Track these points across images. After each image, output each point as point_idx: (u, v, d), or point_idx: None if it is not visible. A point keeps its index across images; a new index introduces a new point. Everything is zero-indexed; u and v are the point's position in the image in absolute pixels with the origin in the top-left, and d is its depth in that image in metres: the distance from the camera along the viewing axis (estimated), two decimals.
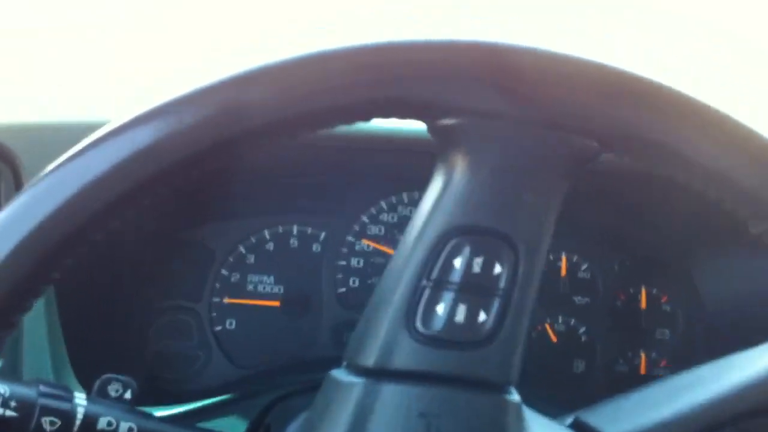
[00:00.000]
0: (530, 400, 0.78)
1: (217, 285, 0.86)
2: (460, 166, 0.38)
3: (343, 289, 0.87)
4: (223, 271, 0.87)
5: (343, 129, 0.81)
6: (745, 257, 0.79)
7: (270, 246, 0.88)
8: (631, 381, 0.85)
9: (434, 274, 0.38)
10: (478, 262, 0.38)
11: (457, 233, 0.38)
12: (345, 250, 0.88)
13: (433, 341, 0.38)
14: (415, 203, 0.88)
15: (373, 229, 0.89)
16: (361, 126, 0.82)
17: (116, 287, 0.82)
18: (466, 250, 0.38)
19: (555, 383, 0.86)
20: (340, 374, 0.40)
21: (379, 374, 0.38)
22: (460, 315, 0.38)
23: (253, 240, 0.88)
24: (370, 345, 0.38)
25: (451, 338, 0.38)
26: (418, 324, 0.38)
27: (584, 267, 0.88)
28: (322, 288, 0.87)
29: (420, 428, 0.37)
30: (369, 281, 0.88)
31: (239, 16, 1.15)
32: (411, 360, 0.38)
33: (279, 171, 0.87)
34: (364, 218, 0.88)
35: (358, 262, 0.88)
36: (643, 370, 0.85)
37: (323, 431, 0.39)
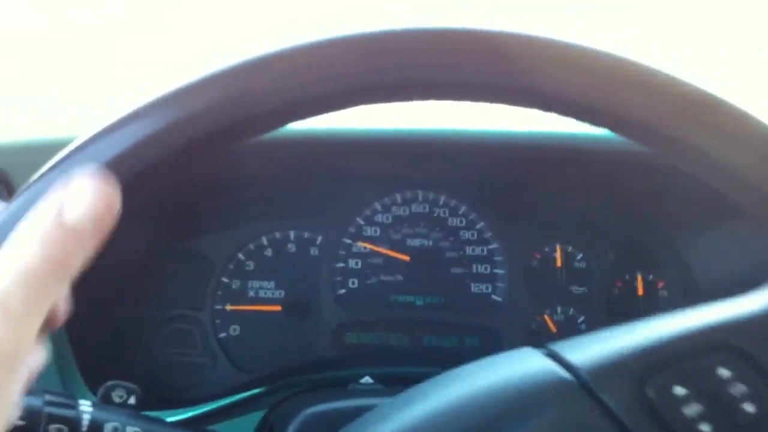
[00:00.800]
0: None
1: (219, 293, 0.88)
2: None
3: (343, 291, 0.89)
4: (224, 279, 0.88)
5: (334, 132, 0.84)
6: (734, 236, 0.80)
7: (268, 252, 0.89)
8: None
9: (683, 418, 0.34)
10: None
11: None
12: (342, 252, 0.89)
13: None
14: (408, 203, 0.89)
15: (369, 231, 0.90)
16: (351, 128, 0.84)
17: (119, 299, 0.84)
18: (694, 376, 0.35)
19: None
20: None
21: None
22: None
23: (251, 247, 0.89)
24: None
25: None
26: None
27: (579, 257, 0.89)
28: (321, 291, 0.88)
29: None
30: (367, 282, 0.89)
31: (238, 15, 1.16)
32: None
33: (272, 178, 0.88)
34: (359, 220, 0.90)
35: (356, 264, 0.89)
36: None
37: None
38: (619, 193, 0.87)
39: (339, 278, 0.89)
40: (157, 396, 0.82)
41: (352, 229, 0.89)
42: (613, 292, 0.88)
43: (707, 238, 0.84)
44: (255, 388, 0.81)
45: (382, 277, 0.89)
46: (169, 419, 0.76)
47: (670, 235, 0.86)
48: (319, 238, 0.90)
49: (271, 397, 0.78)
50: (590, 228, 0.89)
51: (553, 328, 0.88)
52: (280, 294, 0.88)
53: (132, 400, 0.58)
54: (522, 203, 0.90)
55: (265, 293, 0.89)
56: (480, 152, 0.85)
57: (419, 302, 0.89)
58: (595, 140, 0.79)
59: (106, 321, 0.82)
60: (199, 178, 0.81)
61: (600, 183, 0.86)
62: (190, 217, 0.87)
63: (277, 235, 0.90)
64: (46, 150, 0.65)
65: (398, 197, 0.90)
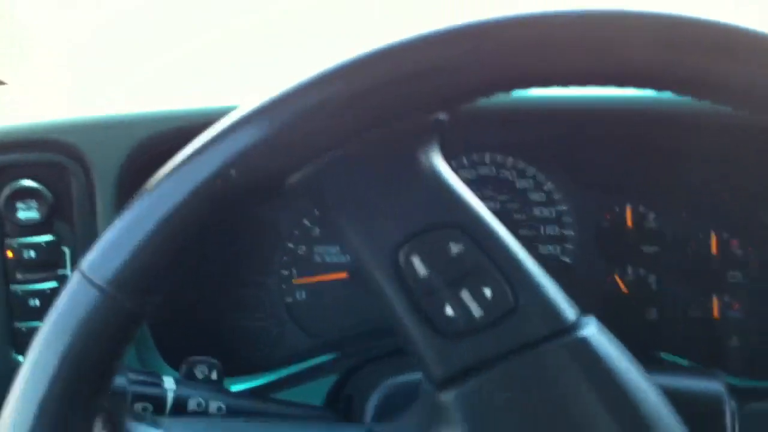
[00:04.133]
0: None
1: (285, 258, 0.88)
2: None
3: None
4: (290, 245, 0.88)
5: None
6: None
7: None
8: (705, 325, 0.85)
9: (420, 282, 0.40)
10: (444, 253, 0.40)
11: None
12: None
13: (475, 331, 0.40)
14: (475, 165, 0.88)
15: None
16: None
17: (188, 269, 0.85)
18: (428, 247, 0.40)
19: (629, 332, 0.85)
20: (434, 398, 0.41)
21: (462, 377, 0.39)
22: (472, 302, 0.40)
23: (316, 212, 0.88)
24: (432, 365, 0.40)
25: (485, 321, 0.39)
26: (447, 327, 0.40)
27: (651, 217, 0.87)
28: None
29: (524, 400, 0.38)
30: None
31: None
32: (468, 355, 0.39)
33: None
34: None
35: None
36: (716, 314, 0.84)
37: None
38: (692, 154, 0.84)
39: None
40: (227, 363, 0.83)
41: None
42: (686, 251, 0.86)
43: None
44: (325, 354, 0.82)
45: None
46: (242, 387, 0.77)
47: (747, 195, 0.83)
48: None
49: (342, 363, 0.79)
50: (663, 188, 0.87)
51: (624, 288, 0.86)
52: (346, 259, 0.88)
53: (214, 375, 0.59)
54: (591, 164, 0.88)
55: (331, 258, 0.88)
56: (548, 114, 0.83)
57: None
58: (665, 101, 0.76)
59: (177, 290, 0.83)
60: None
61: (674, 143, 0.83)
62: None
63: None
64: (116, 125, 0.64)
65: (464, 159, 0.89)
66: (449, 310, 0.39)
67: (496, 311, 0.39)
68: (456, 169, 0.88)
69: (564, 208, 0.87)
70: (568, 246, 0.87)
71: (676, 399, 0.57)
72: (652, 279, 0.86)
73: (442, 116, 0.40)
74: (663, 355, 0.82)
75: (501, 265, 0.40)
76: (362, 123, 0.37)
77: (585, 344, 0.39)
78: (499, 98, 0.81)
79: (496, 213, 0.86)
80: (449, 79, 0.36)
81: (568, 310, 0.41)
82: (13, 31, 1.05)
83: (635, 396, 0.39)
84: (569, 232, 0.87)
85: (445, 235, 0.40)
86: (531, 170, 0.88)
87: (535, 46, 0.35)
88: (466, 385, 0.39)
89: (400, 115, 0.37)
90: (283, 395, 0.76)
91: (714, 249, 0.85)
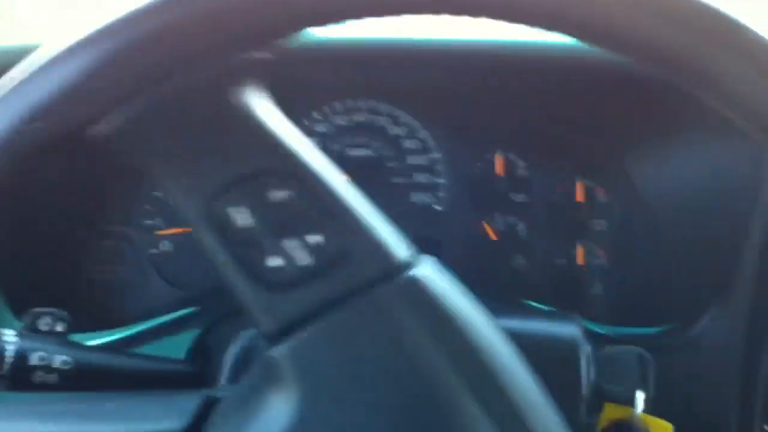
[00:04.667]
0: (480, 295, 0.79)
1: (148, 207, 0.84)
2: None
3: None
4: (156, 194, 0.84)
5: None
6: (678, 147, 0.79)
7: None
8: (569, 272, 0.87)
9: (240, 233, 0.38)
10: (264, 201, 0.38)
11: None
12: None
13: (302, 281, 0.38)
14: (349, 112, 0.86)
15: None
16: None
17: (42, 216, 0.80)
18: (248, 196, 0.38)
19: (496, 279, 0.87)
20: (267, 354, 0.39)
21: (291, 329, 0.37)
22: (297, 250, 0.38)
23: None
24: (260, 320, 0.38)
25: (312, 269, 0.38)
26: (271, 278, 0.37)
27: (521, 165, 0.87)
28: None
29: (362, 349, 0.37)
30: None
31: None
32: (295, 306, 0.37)
33: None
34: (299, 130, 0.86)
35: None
36: (581, 261, 0.86)
37: (265, 410, 0.38)
38: (562, 102, 0.85)
39: None
40: (88, 319, 0.79)
41: None
42: (554, 198, 0.87)
43: (653, 151, 0.83)
44: (189, 307, 0.79)
45: None
46: (98, 341, 0.74)
47: (611, 144, 0.85)
48: None
49: (205, 317, 0.76)
50: (533, 136, 0.87)
51: (493, 235, 0.87)
52: None
53: (60, 327, 0.56)
54: (464, 112, 0.88)
55: None
56: (421, 61, 0.82)
57: None
58: (537, 47, 0.77)
59: (30, 238, 0.78)
60: None
61: (543, 91, 0.84)
62: None
63: None
64: None
65: (338, 105, 0.87)
66: (274, 261, 0.37)
67: (322, 258, 0.37)
68: (329, 115, 0.86)
69: (437, 156, 0.87)
70: (440, 194, 0.87)
71: (532, 342, 0.58)
72: (520, 227, 0.87)
73: (260, 55, 0.38)
74: (528, 302, 0.84)
75: (327, 211, 0.38)
76: (164, 67, 0.33)
77: (416, 284, 0.38)
78: (373, 43, 0.80)
79: (370, 161, 0.87)
80: (255, 14, 0.33)
81: (399, 250, 0.39)
82: (14, 31, 0.96)
83: (471, 335, 0.38)
84: (441, 180, 0.87)
85: (264, 182, 0.37)
86: (406, 117, 0.87)
87: None
88: (296, 338, 0.37)
89: (207, 55, 0.34)
90: (144, 350, 0.74)
91: (580, 197, 0.87)
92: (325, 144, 0.86)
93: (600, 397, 0.59)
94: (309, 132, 0.86)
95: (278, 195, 0.37)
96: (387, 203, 0.85)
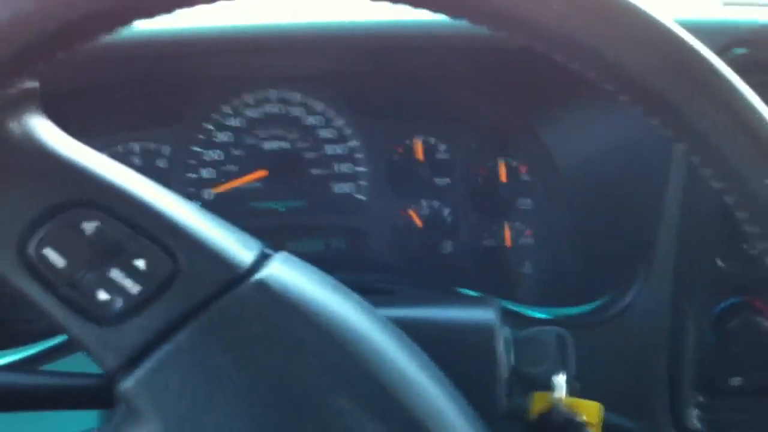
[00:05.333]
0: (407, 284, 0.77)
1: None
2: None
3: (197, 203, 0.83)
4: None
5: (170, 32, 0.76)
6: (589, 116, 0.79)
7: None
8: (498, 254, 0.86)
9: (61, 274, 0.35)
10: (78, 235, 0.35)
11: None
12: (193, 161, 0.83)
13: (136, 309, 0.35)
14: (261, 104, 0.84)
15: (221, 137, 0.84)
16: (189, 27, 0.77)
17: None
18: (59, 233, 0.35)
19: (425, 267, 0.85)
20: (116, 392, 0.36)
21: (135, 361, 0.35)
22: (125, 279, 0.35)
23: None
24: (101, 358, 0.35)
25: (143, 295, 0.35)
26: (103, 313, 0.35)
27: (441, 148, 0.86)
28: None
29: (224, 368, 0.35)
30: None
31: None
32: (135, 336, 0.35)
33: (108, 87, 0.81)
34: (209, 126, 0.83)
35: (210, 173, 0.84)
36: (508, 242, 0.85)
37: None
38: (474, 79, 0.83)
39: (192, 189, 0.83)
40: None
41: (201, 136, 0.83)
42: (477, 180, 0.86)
43: (562, 119, 0.82)
44: None
45: (239, 185, 0.84)
46: (4, 360, 0.70)
47: (527, 117, 0.84)
48: (167, 149, 0.83)
49: None
50: (450, 118, 0.86)
51: (419, 222, 0.85)
52: None
53: None
54: (380, 97, 0.86)
55: None
56: (332, 45, 0.80)
57: (281, 208, 0.85)
58: (444, 26, 0.75)
59: None
60: None
61: (455, 69, 0.82)
62: None
63: (120, 148, 0.83)
64: None
65: (249, 98, 0.84)
66: (102, 295, 0.35)
67: (154, 281, 0.35)
68: (240, 109, 0.84)
69: (355, 143, 0.85)
70: (362, 183, 0.85)
71: (447, 329, 0.56)
72: (446, 211, 0.86)
73: (25, 84, 0.35)
74: (458, 288, 0.82)
75: (149, 231, 0.35)
76: None
77: (263, 287, 0.36)
78: (279, 29, 0.78)
79: (287, 153, 0.84)
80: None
81: (241, 255, 0.37)
82: None
83: (332, 329, 0.36)
84: (362, 169, 0.85)
85: (72, 215, 0.35)
86: (320, 106, 0.85)
87: None
88: (142, 367, 0.34)
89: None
90: (58, 365, 0.70)
91: (503, 177, 0.85)
92: (239, 138, 0.84)
93: (522, 381, 0.58)
94: (220, 127, 0.83)
95: (91, 226, 0.35)
96: (307, 195, 0.85)
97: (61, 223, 0.35)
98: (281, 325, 0.35)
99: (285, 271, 0.37)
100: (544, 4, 0.31)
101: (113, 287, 0.35)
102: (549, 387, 0.57)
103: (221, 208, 0.83)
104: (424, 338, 0.54)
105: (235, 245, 0.37)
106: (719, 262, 0.70)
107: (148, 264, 0.35)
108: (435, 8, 0.32)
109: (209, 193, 0.84)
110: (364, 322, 0.37)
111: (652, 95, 0.31)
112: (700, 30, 0.78)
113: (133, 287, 0.35)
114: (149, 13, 0.31)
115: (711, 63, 0.30)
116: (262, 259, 0.38)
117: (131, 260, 0.35)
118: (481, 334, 0.55)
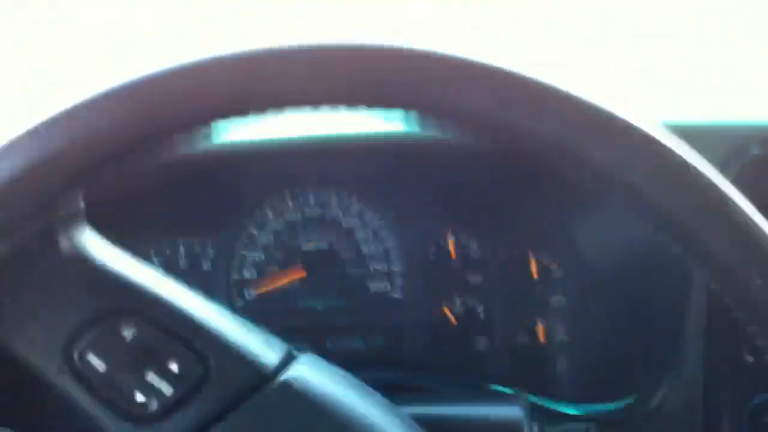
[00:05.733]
0: (442, 381, 0.79)
1: None
2: None
3: (241, 303, 0.87)
4: None
5: (214, 144, 0.81)
6: (617, 215, 0.81)
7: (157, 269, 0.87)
8: (532, 351, 0.87)
9: (103, 378, 0.38)
10: (119, 340, 0.38)
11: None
12: (236, 262, 0.87)
13: (171, 410, 0.38)
14: (300, 207, 0.88)
15: (263, 239, 0.88)
16: (231, 141, 0.82)
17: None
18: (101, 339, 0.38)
19: (459, 364, 0.87)
20: None
21: None
22: (160, 382, 0.38)
23: None
24: None
25: (176, 398, 0.38)
26: (140, 414, 0.38)
27: (474, 246, 0.89)
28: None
29: None
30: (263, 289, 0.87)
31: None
32: None
33: (155, 192, 0.86)
34: (251, 229, 0.88)
35: (252, 274, 0.88)
36: (542, 339, 0.87)
37: None
38: (506, 179, 0.87)
39: (235, 290, 0.87)
40: None
41: (244, 239, 0.88)
42: (510, 277, 0.88)
43: (590, 214, 0.85)
44: None
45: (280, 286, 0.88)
46: None
47: (555, 210, 0.86)
48: (211, 251, 0.88)
49: None
50: (482, 216, 0.89)
51: (453, 319, 0.87)
52: None
53: None
54: (415, 197, 0.90)
55: None
56: (367, 149, 0.84)
57: (320, 307, 0.88)
58: None
59: None
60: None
61: (485, 170, 0.85)
62: None
63: (167, 251, 0.87)
64: None
65: (289, 202, 0.88)
66: (139, 397, 0.38)
67: (186, 383, 0.38)
68: (281, 212, 0.88)
69: (391, 243, 0.88)
70: (397, 281, 0.88)
71: (475, 426, 0.58)
72: (479, 308, 0.88)
73: (73, 202, 0.38)
74: (492, 386, 0.83)
75: (180, 335, 0.38)
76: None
77: (290, 387, 0.38)
78: (321, 138, 0.83)
79: (325, 254, 0.88)
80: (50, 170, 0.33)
81: (267, 355, 0.39)
82: None
83: (354, 426, 0.38)
84: (397, 268, 0.88)
85: (113, 322, 0.38)
86: (356, 206, 0.89)
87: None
88: None
89: (26, 217, 0.35)
90: None
91: (534, 273, 0.88)
92: (278, 239, 0.88)
93: None
94: (263, 228, 0.88)
95: (129, 331, 0.38)
96: (345, 294, 0.88)
97: (103, 330, 0.38)
98: (305, 424, 0.38)
99: (309, 372, 0.40)
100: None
101: (149, 389, 0.37)
102: None
103: (263, 308, 0.87)
104: None
105: (262, 347, 0.40)
106: (748, 358, 0.71)
107: (180, 367, 0.38)
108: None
109: (251, 294, 0.87)
110: (385, 421, 0.40)
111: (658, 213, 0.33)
112: (710, 132, 0.80)
113: (167, 389, 0.38)
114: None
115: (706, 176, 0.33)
116: (287, 360, 0.40)
117: (166, 363, 0.38)
118: (509, 431, 0.57)
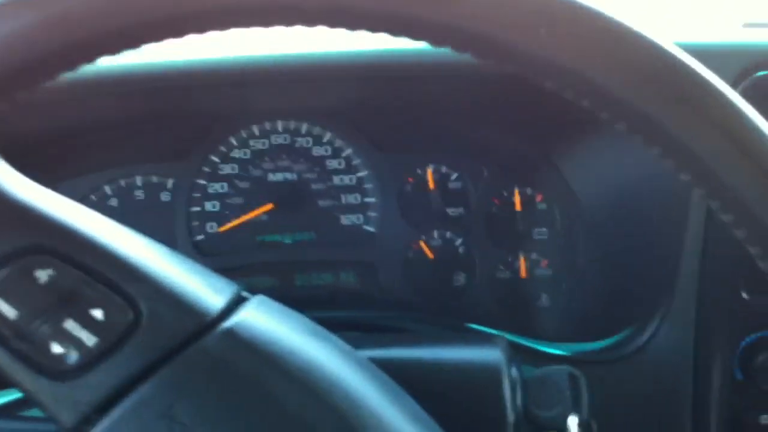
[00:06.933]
0: (418, 320, 0.74)
1: None
2: None
3: (201, 237, 0.81)
4: None
5: (172, 64, 0.75)
6: (609, 146, 0.75)
7: (113, 202, 0.81)
8: (513, 286, 0.82)
9: (12, 325, 0.32)
10: (31, 284, 0.33)
11: None
12: (197, 194, 0.81)
13: (93, 363, 0.32)
14: (267, 135, 0.82)
15: (226, 169, 0.82)
16: (193, 59, 0.75)
17: None
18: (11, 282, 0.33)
19: (437, 300, 0.82)
20: None
21: (93, 417, 0.33)
22: (81, 331, 0.33)
23: (93, 198, 0.80)
24: (58, 414, 0.33)
25: (100, 348, 0.33)
26: (57, 368, 0.32)
27: (453, 177, 0.83)
28: (177, 239, 0.80)
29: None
30: (228, 223, 0.82)
31: None
32: (92, 392, 0.32)
33: (109, 121, 0.79)
34: (214, 158, 0.81)
35: (214, 206, 0.82)
36: (523, 274, 0.82)
37: None
38: (488, 108, 0.81)
39: (196, 223, 0.81)
40: None
41: (206, 169, 0.81)
42: (491, 210, 0.83)
43: (581, 150, 0.79)
44: None
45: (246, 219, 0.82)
46: None
47: (544, 147, 0.81)
48: (170, 182, 0.82)
49: None
50: (463, 146, 0.83)
51: (429, 254, 0.82)
52: None
53: None
54: (390, 127, 0.84)
55: None
56: (339, 75, 0.78)
57: (288, 240, 0.82)
58: (456, 55, 0.72)
59: None
60: (20, 128, 0.72)
61: (467, 98, 0.79)
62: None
63: (122, 182, 0.81)
64: None
65: (255, 129, 0.82)
66: (56, 348, 0.32)
67: (111, 332, 0.32)
68: (246, 140, 0.82)
69: (364, 173, 0.83)
70: (371, 214, 0.83)
71: (451, 370, 0.53)
72: (458, 242, 0.83)
73: None
74: (471, 324, 0.79)
75: (106, 276, 0.33)
76: None
77: (232, 335, 0.33)
78: (284, 60, 0.76)
79: (294, 185, 0.82)
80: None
81: (209, 300, 0.34)
82: None
83: (305, 375, 0.33)
84: (371, 200, 0.83)
85: (24, 262, 0.32)
86: (327, 136, 0.83)
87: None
88: (99, 426, 0.32)
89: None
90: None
91: (518, 206, 0.82)
92: (245, 170, 0.82)
93: (532, 424, 0.54)
94: (225, 159, 0.81)
95: (45, 274, 0.32)
96: (315, 227, 0.82)
97: (13, 272, 0.32)
98: (250, 375, 0.33)
99: (259, 317, 0.35)
100: (531, 29, 0.28)
101: (68, 339, 0.32)
102: (562, 430, 0.54)
103: (226, 243, 0.82)
104: (426, 379, 0.52)
105: (205, 291, 0.34)
106: (744, 295, 0.66)
107: (106, 314, 0.32)
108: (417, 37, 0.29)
109: (212, 227, 0.82)
110: (340, 367, 0.35)
111: (651, 125, 0.28)
112: (720, 53, 0.75)
113: (89, 339, 0.32)
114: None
115: (710, 85, 0.28)
116: (234, 305, 0.35)
117: (88, 310, 0.32)
118: (487, 374, 0.52)
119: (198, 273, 0.35)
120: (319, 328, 0.37)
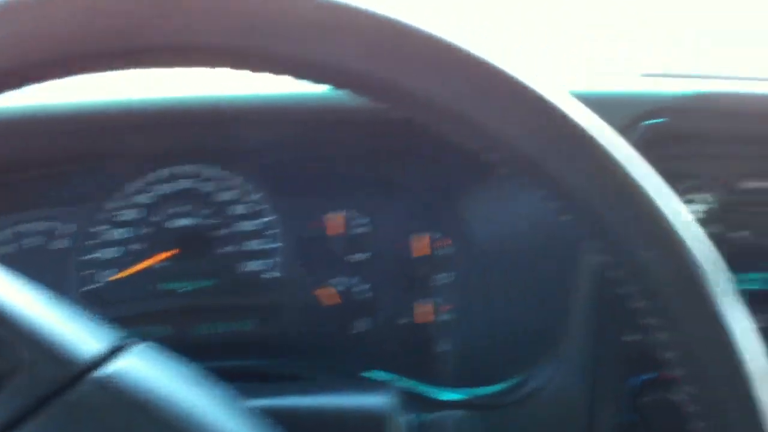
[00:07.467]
0: (312, 368, 0.74)
1: None
2: None
3: (92, 286, 0.79)
4: None
5: (70, 106, 0.74)
6: (507, 189, 0.77)
7: (11, 248, 0.79)
8: (416, 331, 0.82)
9: None
10: None
11: None
12: (92, 241, 0.79)
13: None
14: (170, 180, 0.81)
15: (126, 215, 0.80)
16: (92, 101, 0.75)
17: None
18: None
19: (340, 347, 0.82)
20: None
21: None
22: None
23: None
24: None
25: None
26: None
27: (361, 222, 0.83)
28: (67, 289, 0.78)
29: None
30: (126, 270, 0.80)
31: None
32: None
33: (7, 164, 0.78)
34: (112, 203, 0.80)
35: (112, 253, 0.80)
36: (424, 318, 0.82)
37: None
38: (392, 153, 0.82)
39: (89, 272, 0.79)
40: None
41: (102, 215, 0.80)
42: (399, 254, 0.83)
43: (482, 192, 0.81)
44: None
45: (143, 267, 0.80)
46: None
47: (448, 191, 0.82)
48: (71, 227, 0.80)
49: None
50: (371, 191, 0.84)
51: (331, 299, 0.82)
52: None
53: None
54: (298, 170, 0.84)
55: None
56: (247, 118, 0.78)
57: (188, 287, 0.81)
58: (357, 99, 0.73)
59: None
60: None
61: (371, 142, 0.80)
62: None
63: (23, 227, 0.79)
64: None
65: (156, 174, 0.81)
66: None
67: None
68: (146, 186, 0.81)
69: (270, 218, 0.82)
70: (274, 259, 0.82)
71: (337, 418, 0.53)
72: (363, 288, 0.83)
73: None
74: (375, 373, 0.78)
75: None
76: None
77: (104, 386, 0.32)
78: (189, 103, 0.76)
79: (195, 230, 0.81)
80: None
81: (84, 348, 0.33)
82: None
83: (186, 426, 0.32)
84: (274, 245, 0.82)
85: None
86: (235, 180, 0.82)
87: None
88: None
89: None
90: None
91: (421, 250, 0.83)
92: (147, 215, 0.81)
93: None
94: (127, 205, 0.80)
95: None
96: (216, 274, 0.81)
97: None
98: (120, 425, 0.32)
99: (138, 366, 0.34)
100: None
101: None
102: None
103: (126, 290, 0.80)
104: (312, 428, 0.51)
105: (82, 338, 0.33)
106: (633, 338, 0.68)
107: None
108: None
109: (105, 276, 0.80)
110: (220, 418, 0.34)
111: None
112: (617, 101, 0.78)
113: None
114: None
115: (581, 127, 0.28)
116: (111, 353, 0.34)
117: None
118: (372, 423, 0.52)
119: (78, 320, 0.35)
120: (204, 378, 0.36)
